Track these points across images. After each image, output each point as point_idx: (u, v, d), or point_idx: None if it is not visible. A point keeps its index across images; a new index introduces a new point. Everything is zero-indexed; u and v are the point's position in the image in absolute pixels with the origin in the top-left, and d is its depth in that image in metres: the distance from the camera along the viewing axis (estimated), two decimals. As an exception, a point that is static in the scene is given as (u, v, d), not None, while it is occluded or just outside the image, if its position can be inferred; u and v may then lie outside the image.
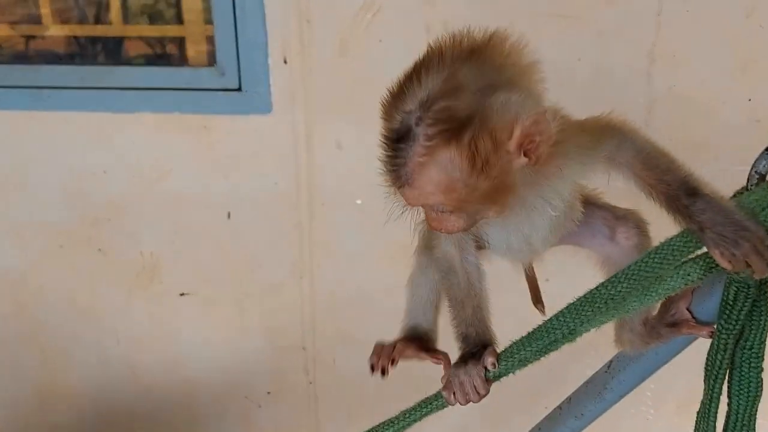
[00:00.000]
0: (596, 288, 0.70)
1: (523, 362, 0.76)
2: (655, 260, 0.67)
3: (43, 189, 1.48)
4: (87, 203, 1.49)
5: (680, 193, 0.69)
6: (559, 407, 0.96)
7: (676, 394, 1.64)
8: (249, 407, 1.63)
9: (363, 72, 1.42)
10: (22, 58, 1.48)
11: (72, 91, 1.41)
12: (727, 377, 0.74)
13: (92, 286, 1.55)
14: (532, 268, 0.98)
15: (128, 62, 1.43)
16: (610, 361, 0.88)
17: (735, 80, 1.35)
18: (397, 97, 0.71)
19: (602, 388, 0.88)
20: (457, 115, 0.67)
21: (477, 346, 0.85)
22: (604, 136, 0.75)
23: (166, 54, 1.44)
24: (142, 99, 1.41)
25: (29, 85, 1.41)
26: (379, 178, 1.54)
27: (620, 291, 0.68)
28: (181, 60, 1.43)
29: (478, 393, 0.81)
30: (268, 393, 1.63)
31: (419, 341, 0.97)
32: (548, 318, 0.73)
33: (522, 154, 0.69)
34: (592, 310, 0.70)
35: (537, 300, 1.00)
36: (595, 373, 0.91)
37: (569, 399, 0.95)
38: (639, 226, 0.86)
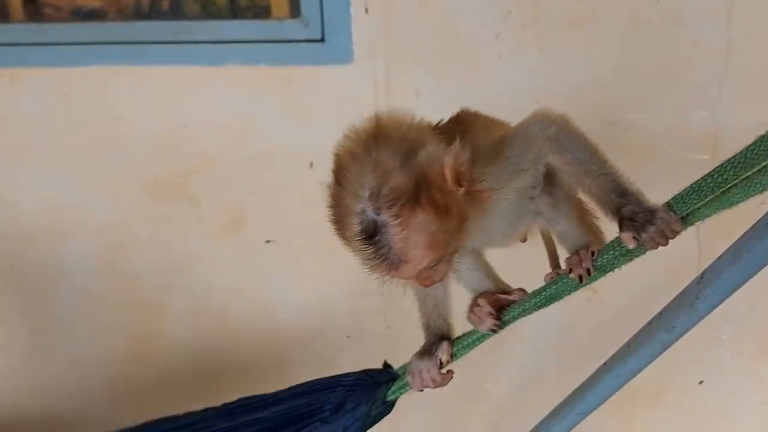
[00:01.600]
0: (703, 177, 0.73)
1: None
2: (762, 148, 0.70)
3: (136, 142, 1.57)
4: (178, 155, 1.57)
5: (612, 195, 0.82)
6: (650, 322, 0.99)
7: (753, 338, 1.65)
8: (330, 350, 1.70)
9: (442, 21, 1.46)
10: (116, 14, 1.56)
11: (163, 46, 1.49)
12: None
13: (183, 235, 1.63)
14: (550, 236, 1.07)
15: (216, 16, 1.50)
16: (703, 272, 0.90)
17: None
18: (341, 208, 0.80)
19: (694, 299, 0.90)
20: (402, 187, 0.76)
21: (436, 338, 1.02)
22: (520, 147, 0.87)
23: (252, 6, 1.50)
24: (230, 52, 1.48)
25: (124, 41, 1.49)
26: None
27: (726, 179, 0.71)
28: (266, 12, 1.49)
29: (434, 381, 0.98)
30: (348, 337, 1.69)
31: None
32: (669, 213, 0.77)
33: (459, 186, 0.80)
34: (699, 198, 0.73)
35: (555, 265, 1.08)
36: (687, 285, 0.93)
37: (660, 313, 0.98)
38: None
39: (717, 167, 0.73)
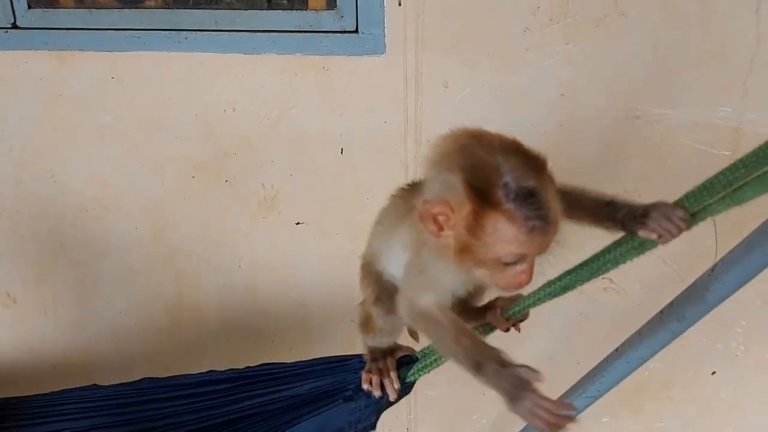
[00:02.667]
0: (715, 175, 0.78)
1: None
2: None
3: (180, 125, 1.65)
4: (217, 138, 1.65)
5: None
6: (661, 312, 1.04)
7: (766, 331, 1.68)
8: (354, 329, 1.77)
9: (472, 14, 1.51)
10: (159, 1, 1.63)
11: (207, 34, 1.56)
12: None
13: (220, 214, 1.71)
14: None
15: (255, 6, 1.56)
16: (714, 265, 0.95)
17: None
18: (497, 173, 0.81)
19: (705, 291, 0.95)
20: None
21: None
22: None
23: (291, -1, 1.57)
24: (269, 41, 1.54)
25: (170, 28, 1.56)
26: (482, 116, 1.63)
27: (738, 177, 0.76)
28: (304, 4, 1.55)
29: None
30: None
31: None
32: (666, 202, 0.82)
33: None
34: (711, 195, 0.78)
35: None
36: (698, 277, 0.98)
37: (671, 303, 1.03)
38: None
39: (729, 165, 0.77)
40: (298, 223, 1.71)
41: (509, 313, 1.06)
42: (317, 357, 1.19)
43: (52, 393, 1.35)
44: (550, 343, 1.75)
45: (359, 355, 1.16)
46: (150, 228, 1.74)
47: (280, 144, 1.64)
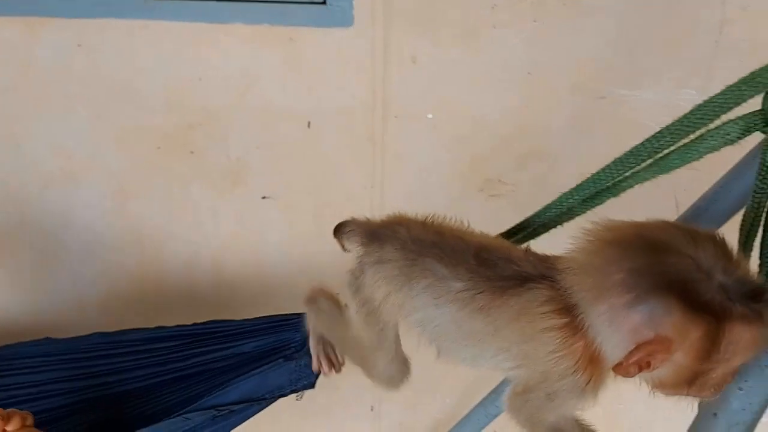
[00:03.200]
0: (641, 143, 0.78)
1: (570, 214, 0.85)
2: (697, 116, 0.74)
3: (146, 95, 1.63)
4: (183, 109, 1.64)
5: None
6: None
7: None
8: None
9: (439, -12, 1.51)
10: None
11: (176, 2, 1.54)
12: (760, 239, 0.81)
13: (185, 186, 1.71)
14: None
15: (224, -24, 1.55)
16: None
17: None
18: (702, 274, 0.68)
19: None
20: None
21: None
22: None
23: (258, -32, 1.56)
24: (237, 10, 1.53)
25: (137, -4, 1.56)
26: (449, 93, 1.63)
27: (662, 144, 0.76)
28: (272, -26, 1.54)
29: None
30: (337, 293, 1.76)
31: None
32: (595, 171, 0.82)
33: None
34: (636, 162, 0.78)
35: None
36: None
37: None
38: None
39: (655, 133, 0.78)
40: (264, 198, 1.70)
41: None
42: (261, 315, 1.20)
43: (6, 346, 1.35)
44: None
45: (300, 314, 1.17)
46: (115, 198, 1.73)
47: (246, 116, 1.63)
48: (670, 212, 1.47)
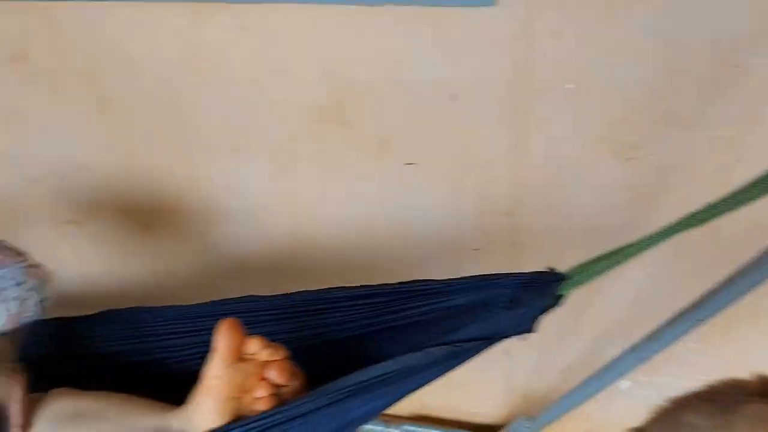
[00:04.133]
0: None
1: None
2: None
3: (301, 73, 1.79)
4: (336, 85, 1.79)
5: None
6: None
7: None
8: (458, 261, 1.94)
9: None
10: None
11: (332, -14, 1.68)
12: None
13: (337, 154, 1.88)
14: None
15: (378, -38, 1.67)
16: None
17: None
18: None
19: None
20: None
21: None
22: None
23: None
24: (389, -7, 1.66)
25: (298, -16, 1.70)
26: (588, 64, 1.72)
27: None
28: (424, -41, 1.65)
29: None
30: (474, 249, 1.93)
31: None
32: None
33: None
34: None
35: None
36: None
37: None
38: None
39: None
40: (408, 164, 1.86)
41: None
42: (465, 276, 1.30)
43: (203, 304, 1.44)
44: (646, 279, 1.87)
45: (509, 274, 1.24)
46: (272, 167, 1.93)
47: (393, 90, 1.77)
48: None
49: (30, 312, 1.20)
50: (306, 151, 1.89)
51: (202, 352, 1.10)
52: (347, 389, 1.09)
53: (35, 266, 1.25)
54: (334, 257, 2.01)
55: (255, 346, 1.04)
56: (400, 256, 1.97)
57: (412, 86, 1.77)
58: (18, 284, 1.18)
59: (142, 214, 2.14)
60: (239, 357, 1.02)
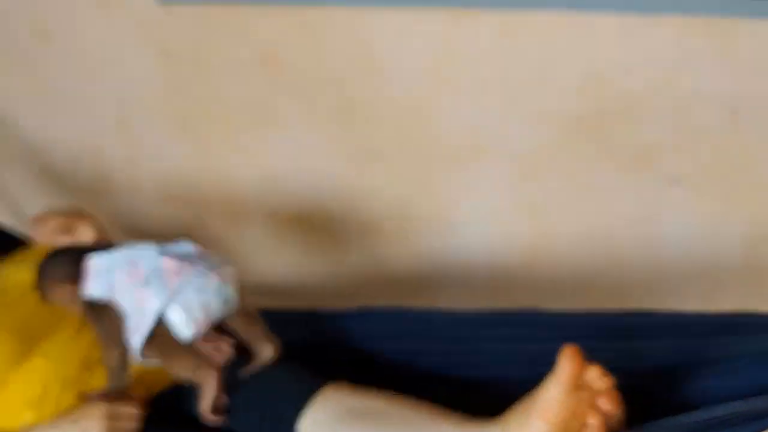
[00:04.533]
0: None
1: None
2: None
3: (560, 82, 1.72)
4: (597, 95, 1.70)
5: None
6: None
7: None
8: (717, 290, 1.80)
9: None
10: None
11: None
12: None
13: (588, 168, 1.79)
14: None
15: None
16: None
17: None
18: None
19: None
20: None
21: None
22: None
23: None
24: (675, 2, 1.53)
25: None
26: None
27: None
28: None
29: None
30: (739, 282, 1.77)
31: None
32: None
33: None
34: None
35: None
36: None
37: None
38: None
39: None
40: (671, 182, 1.73)
41: None
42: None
43: (492, 312, 1.42)
44: None
45: None
46: (517, 176, 1.88)
47: (664, 102, 1.65)
48: None
49: (215, 315, 1.23)
50: (555, 161, 1.82)
51: (491, 363, 1.19)
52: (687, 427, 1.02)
53: (218, 268, 1.25)
54: (574, 273, 1.93)
55: (593, 374, 1.01)
56: (648, 279, 1.85)
57: (685, 98, 1.63)
58: (199, 291, 1.20)
59: (369, 217, 2.16)
60: (579, 384, 1.00)
